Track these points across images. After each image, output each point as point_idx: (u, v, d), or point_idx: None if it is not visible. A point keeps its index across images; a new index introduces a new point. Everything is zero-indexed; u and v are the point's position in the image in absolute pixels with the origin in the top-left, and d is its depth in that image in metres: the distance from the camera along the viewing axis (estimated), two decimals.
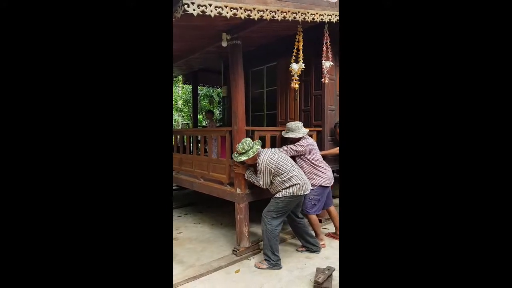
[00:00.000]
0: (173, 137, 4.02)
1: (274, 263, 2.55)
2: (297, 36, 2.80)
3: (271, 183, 2.61)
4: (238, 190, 2.83)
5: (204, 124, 8.97)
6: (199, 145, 3.93)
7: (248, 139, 2.61)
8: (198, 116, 7.33)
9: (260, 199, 2.96)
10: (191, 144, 3.74)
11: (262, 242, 2.93)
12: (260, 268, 2.55)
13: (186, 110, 10.97)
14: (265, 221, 2.59)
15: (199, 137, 4.02)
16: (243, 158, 2.55)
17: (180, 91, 11.28)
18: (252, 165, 2.75)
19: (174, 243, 3.15)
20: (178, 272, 2.45)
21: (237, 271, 2.51)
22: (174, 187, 5.37)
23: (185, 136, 3.82)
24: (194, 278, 2.37)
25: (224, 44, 2.69)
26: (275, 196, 2.60)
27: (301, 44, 2.76)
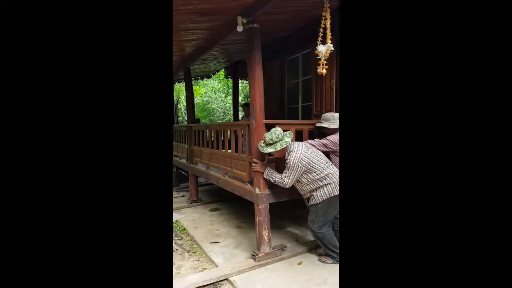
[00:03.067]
0: (203, 132, 3.95)
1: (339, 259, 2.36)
2: (323, 14, 2.39)
3: (298, 181, 2.32)
4: (257, 190, 2.57)
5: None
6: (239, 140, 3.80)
7: (278, 129, 2.33)
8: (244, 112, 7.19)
9: (282, 200, 2.67)
10: (207, 138, 3.61)
11: (285, 248, 2.71)
12: (325, 263, 2.42)
13: None
14: (313, 231, 2.40)
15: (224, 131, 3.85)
16: (270, 149, 2.29)
17: (240, 86, 11.37)
18: (278, 159, 2.47)
19: (238, 231, 3.34)
20: (243, 259, 2.61)
21: (299, 263, 2.49)
22: (208, 183, 5.39)
23: (213, 131, 3.70)
24: (260, 266, 2.48)
25: (240, 28, 2.43)
26: (312, 203, 2.35)
27: (328, 22, 2.35)
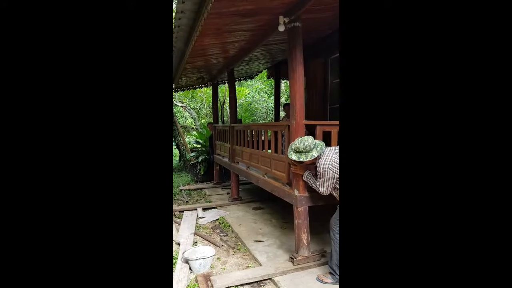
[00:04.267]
0: (244, 132, 4.00)
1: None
2: None
3: (335, 188, 2.22)
4: (296, 192, 2.53)
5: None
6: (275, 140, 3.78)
7: (310, 139, 2.25)
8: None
9: (322, 204, 2.58)
10: (248, 138, 3.61)
11: (326, 253, 2.61)
12: (323, 282, 2.25)
13: None
14: (333, 229, 2.25)
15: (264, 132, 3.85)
16: (294, 157, 2.26)
17: (283, 86, 11.40)
18: (310, 165, 2.40)
19: (282, 232, 3.35)
20: (284, 260, 2.61)
21: None
22: (248, 182, 5.44)
23: (253, 131, 3.73)
24: (302, 269, 2.46)
25: (281, 28, 2.41)
26: None
27: None
